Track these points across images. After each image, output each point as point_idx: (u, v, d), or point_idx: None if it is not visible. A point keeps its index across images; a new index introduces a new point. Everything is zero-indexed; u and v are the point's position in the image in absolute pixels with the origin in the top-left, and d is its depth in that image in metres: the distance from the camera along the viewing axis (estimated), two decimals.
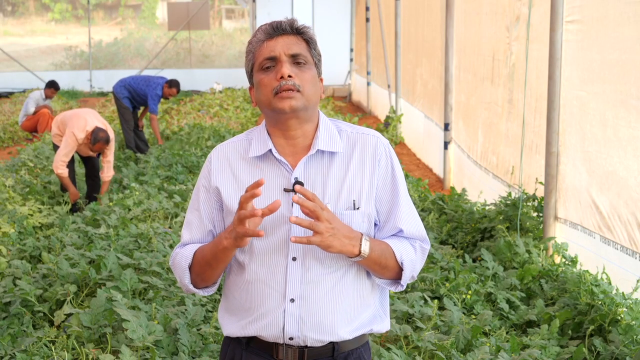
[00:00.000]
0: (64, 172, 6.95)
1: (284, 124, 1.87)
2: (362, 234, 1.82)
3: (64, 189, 7.32)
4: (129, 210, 6.33)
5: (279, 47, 1.83)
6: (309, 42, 1.88)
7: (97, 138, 6.84)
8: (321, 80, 1.92)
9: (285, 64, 1.82)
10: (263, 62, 1.84)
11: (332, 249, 1.75)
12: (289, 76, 1.81)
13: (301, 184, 1.84)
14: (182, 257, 1.91)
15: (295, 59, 1.84)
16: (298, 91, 1.82)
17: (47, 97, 11.98)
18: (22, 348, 3.61)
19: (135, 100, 9.76)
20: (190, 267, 1.90)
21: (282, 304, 1.85)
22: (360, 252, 1.79)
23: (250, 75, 1.91)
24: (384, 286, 1.95)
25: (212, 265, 1.86)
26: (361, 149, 1.91)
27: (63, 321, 3.96)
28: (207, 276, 1.90)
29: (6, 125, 12.48)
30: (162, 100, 10.57)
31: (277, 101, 1.82)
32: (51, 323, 4.07)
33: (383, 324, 1.97)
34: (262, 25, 1.89)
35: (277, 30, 1.84)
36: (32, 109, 11.78)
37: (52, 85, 11.92)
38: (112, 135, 7.13)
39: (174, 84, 9.75)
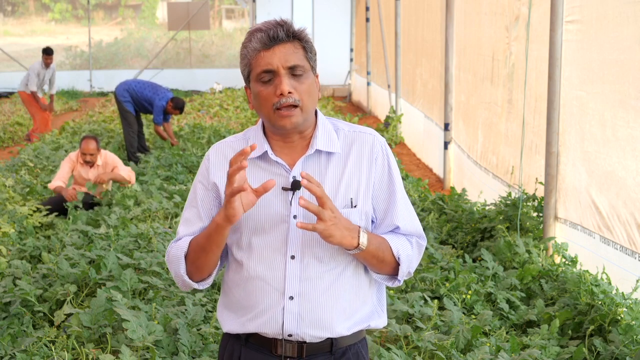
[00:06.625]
0: (53, 185, 6.95)
1: (283, 133, 1.89)
2: (359, 227, 1.84)
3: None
4: (129, 210, 6.34)
5: (276, 60, 1.82)
6: (305, 47, 1.87)
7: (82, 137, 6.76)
8: (316, 77, 1.91)
9: (284, 79, 1.82)
10: (261, 74, 1.84)
11: (332, 238, 1.77)
12: (289, 92, 1.81)
13: (298, 183, 1.84)
14: (177, 248, 1.91)
15: (293, 71, 1.83)
16: (298, 106, 1.83)
17: (47, 65, 11.56)
18: (22, 348, 3.61)
19: (137, 105, 9.41)
20: (186, 257, 1.89)
21: (280, 302, 1.87)
22: (359, 244, 1.82)
23: (246, 79, 1.90)
24: (381, 281, 1.97)
25: (206, 248, 1.85)
26: (358, 147, 1.92)
27: (63, 321, 3.96)
28: (202, 263, 1.88)
29: (6, 125, 12.47)
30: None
31: (278, 118, 1.83)
32: (51, 323, 4.07)
33: (380, 320, 2.00)
34: (256, 31, 1.85)
35: (273, 40, 1.82)
36: (33, 86, 11.41)
37: (45, 52, 11.51)
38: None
39: (179, 105, 9.43)
